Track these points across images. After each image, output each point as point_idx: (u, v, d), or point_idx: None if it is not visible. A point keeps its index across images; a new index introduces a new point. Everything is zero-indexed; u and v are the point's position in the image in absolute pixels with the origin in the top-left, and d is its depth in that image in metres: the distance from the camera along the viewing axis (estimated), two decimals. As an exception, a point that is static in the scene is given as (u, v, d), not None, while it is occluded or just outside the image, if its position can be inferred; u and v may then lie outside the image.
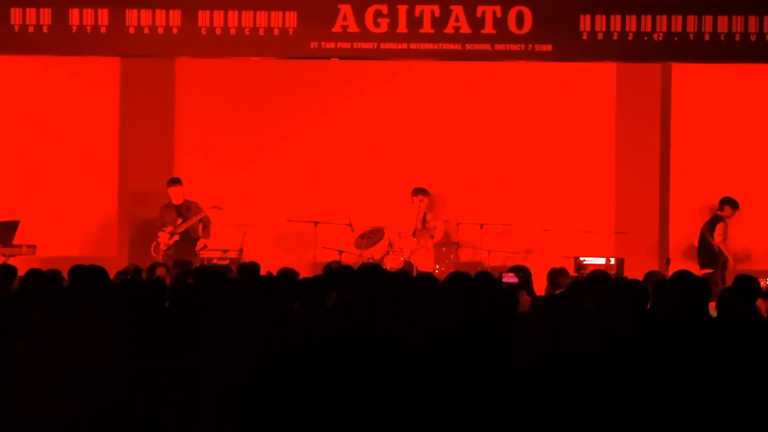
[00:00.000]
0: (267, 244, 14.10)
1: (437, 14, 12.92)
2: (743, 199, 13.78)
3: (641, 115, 14.21)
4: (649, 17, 12.79)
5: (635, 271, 10.78)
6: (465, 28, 12.91)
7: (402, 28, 12.96)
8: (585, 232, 13.82)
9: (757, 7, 12.78)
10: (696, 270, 12.92)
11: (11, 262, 11.52)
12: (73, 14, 13.03)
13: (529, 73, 14.12)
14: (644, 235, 14.08)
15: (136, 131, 14.48)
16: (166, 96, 14.58)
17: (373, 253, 13.52)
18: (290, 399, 5.14)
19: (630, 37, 12.81)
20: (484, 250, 13.60)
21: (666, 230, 14.27)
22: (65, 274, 7.86)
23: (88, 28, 13.04)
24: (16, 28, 13.09)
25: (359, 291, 6.89)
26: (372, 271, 7.74)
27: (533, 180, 14.31)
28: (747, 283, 6.68)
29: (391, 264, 13.09)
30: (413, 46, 12.98)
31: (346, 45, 13.03)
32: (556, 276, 9.32)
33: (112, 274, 8.15)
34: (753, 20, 12.75)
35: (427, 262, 13.42)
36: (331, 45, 13.03)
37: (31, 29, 13.08)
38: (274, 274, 8.11)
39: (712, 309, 6.17)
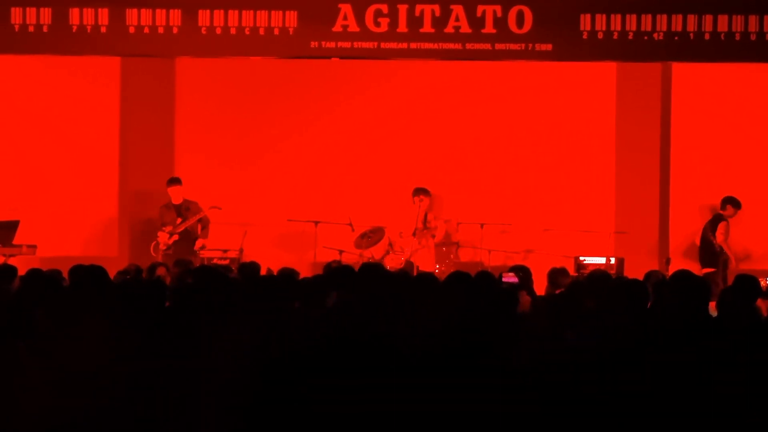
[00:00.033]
0: (267, 244, 14.10)
1: (437, 14, 12.92)
2: (743, 198, 13.78)
3: (641, 114, 14.21)
4: (650, 17, 12.79)
5: (635, 271, 10.77)
6: (465, 28, 12.91)
7: (402, 27, 12.97)
8: (585, 232, 13.82)
9: (757, 6, 12.79)
10: (696, 269, 12.93)
11: (11, 262, 11.53)
12: (73, 14, 13.03)
13: (530, 73, 14.12)
14: (644, 234, 14.08)
15: (136, 131, 14.48)
16: (166, 96, 14.57)
17: (373, 253, 13.51)
18: (290, 399, 5.14)
19: (630, 37, 12.81)
20: (484, 249, 13.60)
21: (666, 230, 14.27)
22: (65, 274, 7.86)
23: (89, 27, 13.04)
24: (16, 27, 13.09)
25: (359, 291, 6.90)
26: (372, 271, 7.75)
27: (533, 180, 14.31)
28: (747, 282, 6.70)
29: (392, 264, 13.09)
30: (413, 45, 12.98)
31: (347, 44, 13.03)
32: (556, 276, 9.32)
33: (112, 274, 8.16)
34: (753, 20, 12.76)
35: (427, 262, 13.42)
36: (332, 44, 13.04)
37: (31, 29, 13.08)
38: (275, 272, 8.11)
39: (712, 309, 6.17)
